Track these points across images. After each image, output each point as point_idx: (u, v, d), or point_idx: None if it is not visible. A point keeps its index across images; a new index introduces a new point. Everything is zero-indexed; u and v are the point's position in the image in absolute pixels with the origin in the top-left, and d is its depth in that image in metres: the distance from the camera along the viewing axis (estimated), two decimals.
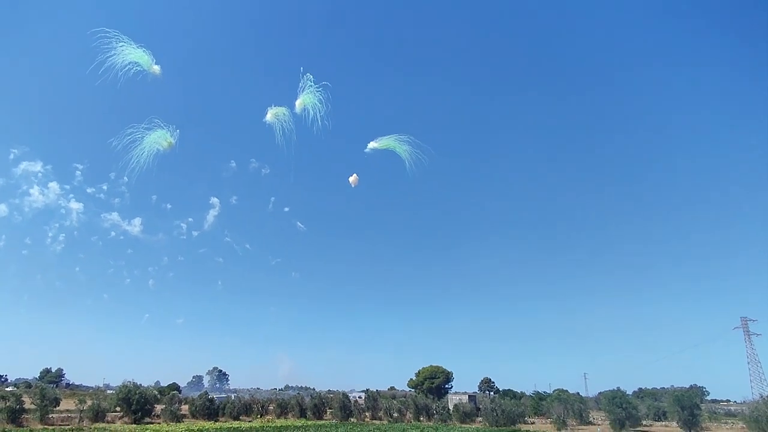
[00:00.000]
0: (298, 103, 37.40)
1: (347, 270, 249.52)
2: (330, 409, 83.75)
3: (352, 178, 46.44)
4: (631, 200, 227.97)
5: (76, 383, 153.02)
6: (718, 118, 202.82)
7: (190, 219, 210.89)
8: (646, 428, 65.73)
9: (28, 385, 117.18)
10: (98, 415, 59.48)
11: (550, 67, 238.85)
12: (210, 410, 72.84)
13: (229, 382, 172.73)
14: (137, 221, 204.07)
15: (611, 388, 68.41)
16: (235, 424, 64.29)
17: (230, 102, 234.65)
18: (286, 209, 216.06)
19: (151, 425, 57.30)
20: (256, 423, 66.98)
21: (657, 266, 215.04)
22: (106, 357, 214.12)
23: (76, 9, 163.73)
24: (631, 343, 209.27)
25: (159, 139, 35.01)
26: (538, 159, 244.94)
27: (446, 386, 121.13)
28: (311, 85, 36.53)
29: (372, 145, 39.89)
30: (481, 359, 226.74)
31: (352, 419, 77.60)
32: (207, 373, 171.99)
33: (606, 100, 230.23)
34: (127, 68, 33.15)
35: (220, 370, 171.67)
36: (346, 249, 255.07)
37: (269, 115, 38.30)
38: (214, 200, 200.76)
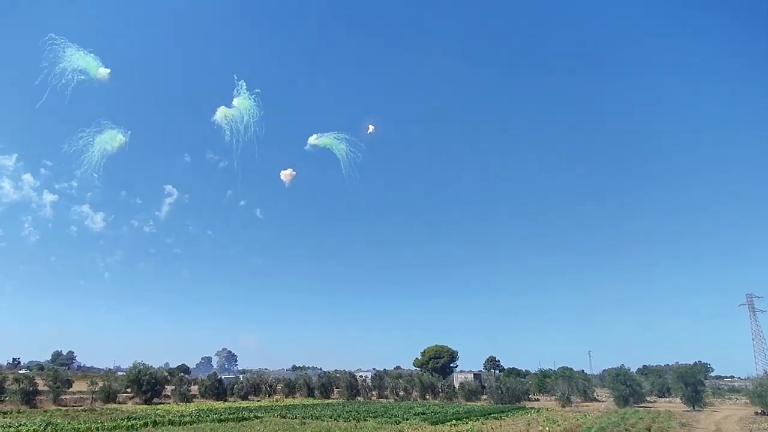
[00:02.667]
0: (235, 102, 39.43)
1: (352, 254, 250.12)
2: (337, 388, 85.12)
3: (285, 174, 46.91)
4: (635, 177, 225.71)
5: (87, 365, 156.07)
6: (722, 94, 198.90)
7: (156, 213, 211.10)
8: (649, 404, 66.39)
9: (40, 367, 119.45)
10: (110, 396, 60.64)
11: (545, 49, 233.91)
12: (219, 390, 74.14)
13: (237, 363, 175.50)
14: (108, 216, 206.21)
15: (615, 366, 69.00)
16: (244, 403, 65.45)
17: (191, 97, 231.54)
18: (242, 203, 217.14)
19: (162, 405, 58.45)
20: (265, 402, 68.20)
21: (662, 243, 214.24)
22: (114, 340, 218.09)
23: (32, 8, 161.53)
24: (635, 321, 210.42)
25: (109, 139, 36.74)
26: (540, 137, 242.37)
27: (451, 365, 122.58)
28: (245, 92, 38.85)
29: (312, 141, 41.46)
30: (486, 338, 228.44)
31: (359, 398, 78.87)
32: (216, 354, 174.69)
33: (599, 79, 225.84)
34: (74, 74, 34.44)
35: (229, 351, 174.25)
36: (346, 233, 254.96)
37: (219, 115, 39.89)
38: (171, 189, 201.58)
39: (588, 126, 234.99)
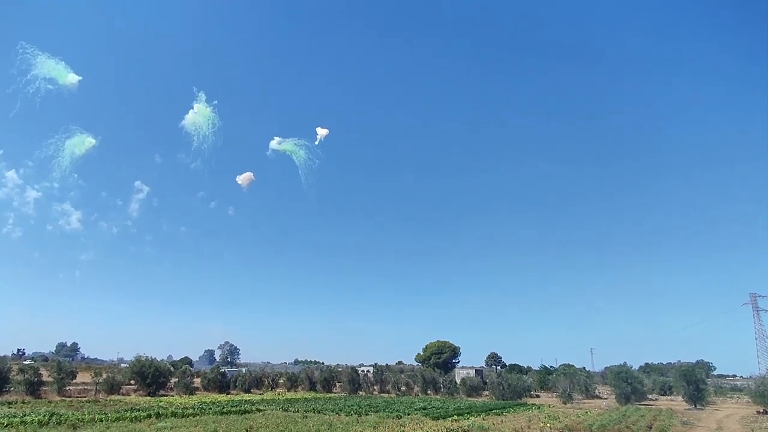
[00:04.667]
0: (196, 109, 40.69)
1: (355, 249, 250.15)
2: (339, 382, 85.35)
3: (242, 178, 47.27)
4: (638, 174, 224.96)
5: (91, 357, 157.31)
6: (724, 92, 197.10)
7: (134, 214, 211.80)
8: (651, 402, 66.35)
9: (45, 358, 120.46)
10: (113, 387, 61.03)
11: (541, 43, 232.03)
12: (222, 383, 74.59)
13: (240, 356, 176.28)
14: (86, 214, 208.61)
15: (617, 363, 69.05)
16: (247, 396, 65.81)
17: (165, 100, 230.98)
18: (212, 204, 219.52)
19: (165, 398, 58.83)
20: (267, 396, 68.55)
21: (665, 241, 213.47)
22: (118, 332, 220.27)
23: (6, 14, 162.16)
24: (638, 319, 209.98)
25: (78, 143, 38.67)
26: (542, 134, 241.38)
27: (453, 361, 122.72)
28: (204, 102, 40.41)
29: (273, 146, 42.35)
30: (488, 334, 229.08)
31: (360, 392, 79.08)
32: (218, 347, 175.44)
33: (596, 78, 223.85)
34: (42, 83, 36.22)
35: (232, 345, 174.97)
36: (348, 228, 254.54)
37: (188, 120, 40.92)
38: (143, 186, 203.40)
39: (591, 124, 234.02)
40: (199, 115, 40.52)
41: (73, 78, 37.50)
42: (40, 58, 35.79)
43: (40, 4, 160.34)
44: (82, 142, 38.97)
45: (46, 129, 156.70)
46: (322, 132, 44.25)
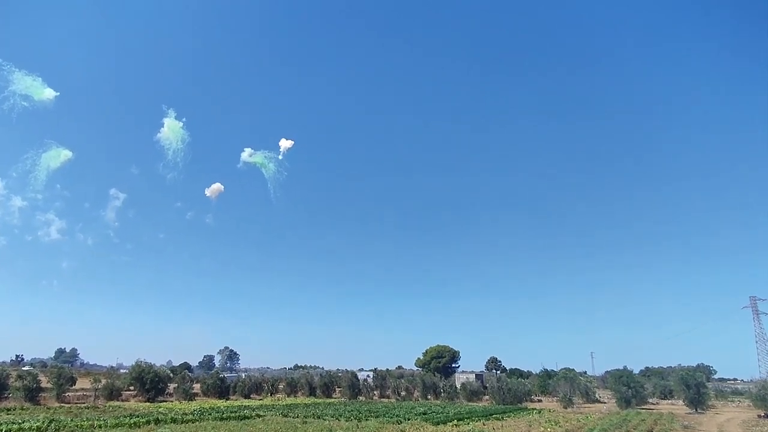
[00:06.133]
0: (166, 124, 41.96)
1: (354, 254, 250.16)
2: (339, 387, 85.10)
3: (212, 190, 48.52)
4: (638, 177, 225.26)
5: (91, 363, 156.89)
6: (723, 93, 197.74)
7: (128, 220, 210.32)
8: (652, 406, 66.18)
9: (44, 364, 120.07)
10: (113, 393, 60.86)
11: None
12: (221, 389, 74.32)
13: (239, 361, 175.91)
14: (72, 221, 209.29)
15: (618, 367, 68.87)
16: (246, 402, 65.62)
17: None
18: (188, 215, 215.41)
19: (164, 403, 58.63)
20: (267, 401, 68.34)
21: (665, 244, 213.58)
22: (117, 338, 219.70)
23: None
24: (638, 322, 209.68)
25: (54, 156, 40.02)
26: (541, 136, 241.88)
27: (453, 365, 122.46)
28: (174, 120, 41.77)
29: (245, 158, 43.67)
30: (488, 339, 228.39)
31: (360, 397, 78.86)
32: (218, 353, 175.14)
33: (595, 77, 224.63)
34: (18, 99, 37.29)
35: (231, 350, 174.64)
36: (348, 232, 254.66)
37: (163, 133, 42.14)
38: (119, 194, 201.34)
39: (591, 124, 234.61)
40: (170, 131, 41.45)
41: (50, 93, 38.35)
42: (17, 75, 36.57)
43: (16, 18, 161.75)
44: (58, 156, 39.92)
45: (25, 142, 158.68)
46: (285, 144, 44.61)
